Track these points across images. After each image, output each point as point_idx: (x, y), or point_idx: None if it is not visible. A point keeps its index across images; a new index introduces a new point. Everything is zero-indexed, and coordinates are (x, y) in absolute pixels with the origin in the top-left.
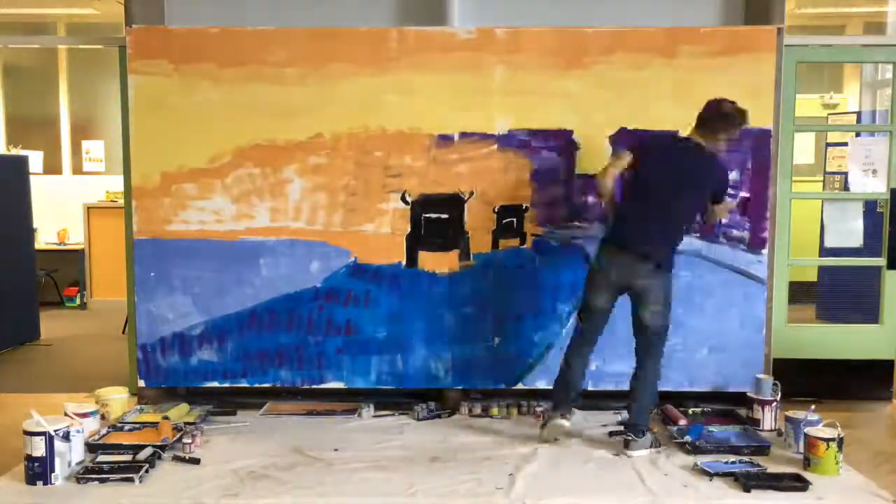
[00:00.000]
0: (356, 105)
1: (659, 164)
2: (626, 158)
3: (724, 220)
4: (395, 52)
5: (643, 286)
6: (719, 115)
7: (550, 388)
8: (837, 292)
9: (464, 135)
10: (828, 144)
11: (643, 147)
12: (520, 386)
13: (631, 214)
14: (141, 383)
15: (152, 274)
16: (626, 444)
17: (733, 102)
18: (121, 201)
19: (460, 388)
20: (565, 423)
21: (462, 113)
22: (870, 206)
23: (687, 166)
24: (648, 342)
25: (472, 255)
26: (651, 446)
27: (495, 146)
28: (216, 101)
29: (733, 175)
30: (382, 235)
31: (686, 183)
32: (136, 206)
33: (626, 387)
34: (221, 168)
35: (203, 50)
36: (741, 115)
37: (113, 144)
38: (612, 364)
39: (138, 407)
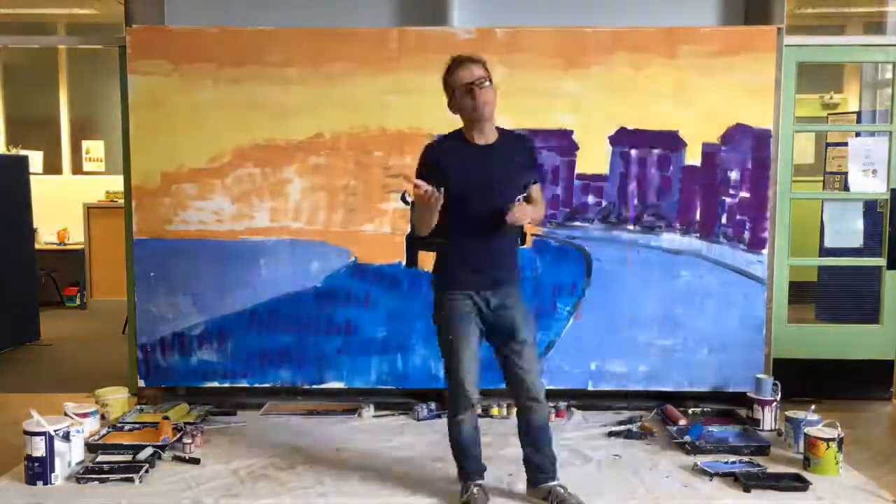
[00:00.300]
0: (356, 105)
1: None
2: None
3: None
4: (395, 53)
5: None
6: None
7: (551, 387)
8: (837, 292)
9: None
10: (828, 144)
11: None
12: None
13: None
14: (141, 383)
15: (152, 274)
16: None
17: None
18: (121, 201)
19: None
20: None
21: None
22: (870, 206)
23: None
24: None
25: None
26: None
27: None
28: (216, 101)
29: (733, 175)
30: (382, 235)
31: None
32: (136, 205)
33: (626, 386)
34: (221, 168)
35: (203, 50)
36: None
37: (113, 144)
38: (612, 364)
39: (138, 407)
